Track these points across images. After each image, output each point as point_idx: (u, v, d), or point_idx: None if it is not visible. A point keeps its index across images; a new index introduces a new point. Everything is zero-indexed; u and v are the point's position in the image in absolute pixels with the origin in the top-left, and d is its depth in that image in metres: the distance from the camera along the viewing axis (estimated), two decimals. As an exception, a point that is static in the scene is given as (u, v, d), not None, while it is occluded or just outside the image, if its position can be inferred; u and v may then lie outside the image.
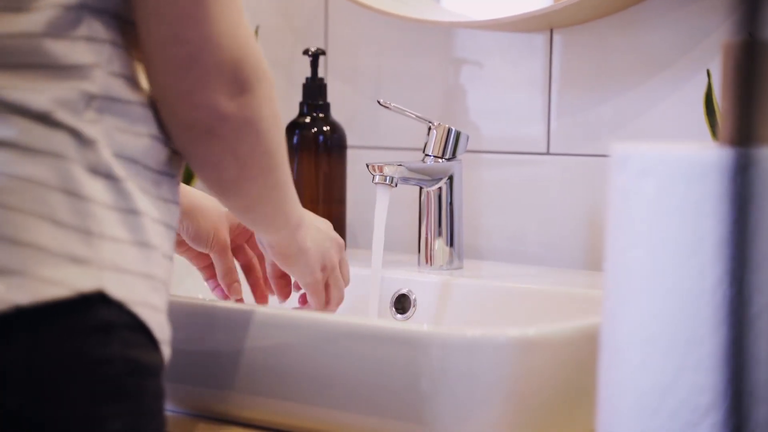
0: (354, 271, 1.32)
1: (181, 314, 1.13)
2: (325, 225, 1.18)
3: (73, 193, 0.82)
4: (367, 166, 1.32)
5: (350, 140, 1.52)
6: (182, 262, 1.44)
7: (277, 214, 1.04)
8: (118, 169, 0.85)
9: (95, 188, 0.83)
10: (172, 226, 0.91)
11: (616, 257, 0.77)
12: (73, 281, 0.81)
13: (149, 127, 0.89)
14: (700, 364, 0.71)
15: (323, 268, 1.16)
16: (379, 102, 1.35)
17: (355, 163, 1.52)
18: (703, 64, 1.32)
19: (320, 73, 1.52)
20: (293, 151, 1.48)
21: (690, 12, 1.33)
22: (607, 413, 0.78)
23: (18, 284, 0.79)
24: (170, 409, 1.16)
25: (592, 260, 1.39)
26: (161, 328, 0.88)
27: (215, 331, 1.11)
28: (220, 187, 0.96)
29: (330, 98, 1.51)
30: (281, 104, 1.63)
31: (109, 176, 0.85)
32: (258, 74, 0.90)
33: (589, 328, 0.99)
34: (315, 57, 1.50)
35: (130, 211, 0.86)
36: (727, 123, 0.73)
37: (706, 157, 0.72)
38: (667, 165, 0.74)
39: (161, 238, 0.89)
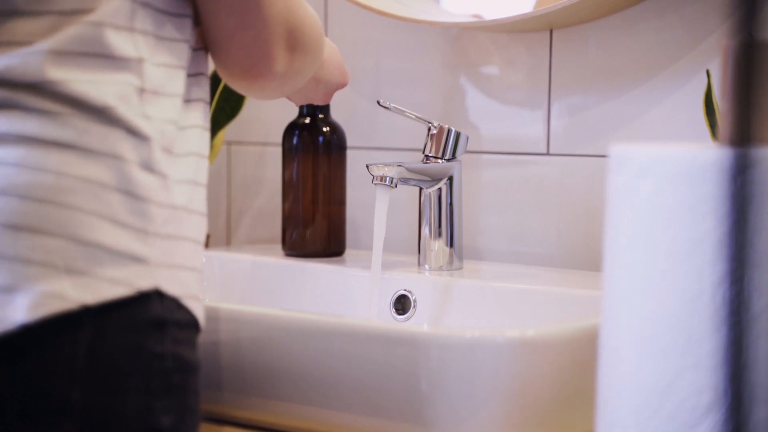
0: (354, 272, 1.32)
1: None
2: (335, 55, 1.25)
3: (131, 193, 0.85)
4: (367, 166, 1.32)
5: (350, 141, 1.52)
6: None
7: (310, 79, 1.14)
8: (164, 164, 0.88)
9: (150, 187, 0.86)
10: (203, 212, 0.94)
11: (615, 257, 0.77)
12: (134, 280, 0.84)
13: (196, 119, 0.92)
14: (700, 364, 0.71)
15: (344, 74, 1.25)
16: (379, 102, 1.35)
17: (354, 163, 1.52)
18: (703, 64, 1.31)
19: (320, 74, 1.52)
20: (293, 151, 1.48)
21: (689, 12, 1.33)
22: (606, 413, 0.78)
23: (84, 284, 0.82)
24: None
25: (592, 260, 1.39)
26: (203, 318, 0.92)
27: (213, 332, 1.11)
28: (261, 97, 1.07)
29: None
30: (282, 105, 1.63)
31: (159, 173, 0.87)
32: (308, 35, 0.98)
33: (588, 329, 0.99)
34: (315, 58, 1.50)
35: (176, 207, 0.88)
36: (727, 123, 0.73)
37: (705, 157, 0.72)
38: (666, 165, 0.74)
39: (199, 230, 0.92)
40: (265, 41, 0.95)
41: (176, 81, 0.90)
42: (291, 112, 1.53)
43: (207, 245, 1.63)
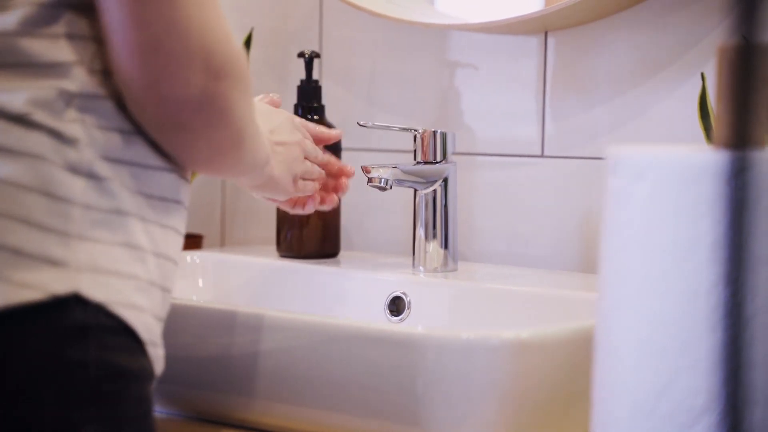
0: (348, 273, 1.32)
1: (176, 316, 1.13)
2: (282, 127, 1.15)
3: (51, 194, 0.81)
4: (362, 168, 1.32)
5: (345, 142, 1.52)
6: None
7: (249, 167, 1.02)
8: (101, 168, 0.84)
9: (75, 189, 0.82)
10: (167, 225, 0.89)
11: (611, 259, 0.77)
12: (48, 284, 0.80)
13: (131, 123, 0.87)
14: (696, 366, 0.72)
15: (295, 179, 1.16)
16: (359, 123, 1.36)
17: (349, 165, 1.52)
18: (698, 67, 1.32)
19: (315, 76, 1.52)
20: (288, 153, 1.48)
21: (684, 15, 1.33)
22: (601, 415, 0.78)
23: None
24: (166, 411, 1.16)
25: (587, 262, 1.39)
26: (147, 329, 0.86)
27: (211, 334, 1.11)
28: (190, 165, 0.92)
29: (325, 100, 1.51)
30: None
31: (91, 176, 0.83)
32: (233, 59, 0.86)
33: (583, 331, 0.99)
34: (310, 59, 1.50)
35: (113, 211, 0.84)
36: (722, 126, 0.73)
37: (701, 159, 0.72)
38: (661, 167, 0.74)
39: (151, 238, 0.87)
40: (168, 52, 0.83)
41: (112, 86, 0.85)
42: (286, 114, 1.53)
43: (201, 246, 1.63)
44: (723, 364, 0.67)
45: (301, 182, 1.18)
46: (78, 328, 0.81)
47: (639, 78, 1.37)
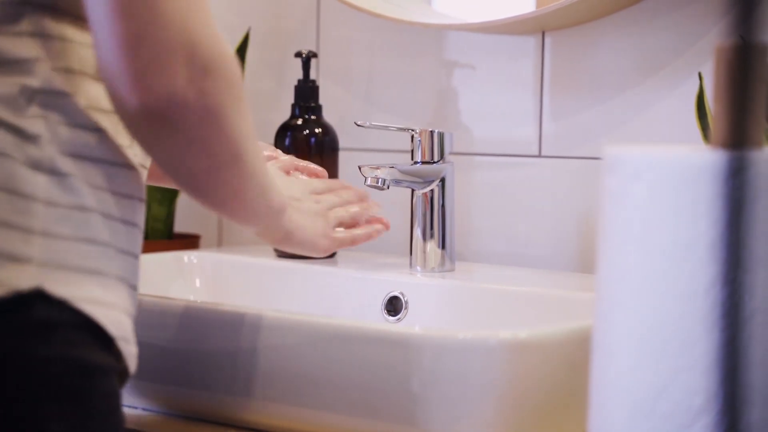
0: (346, 273, 1.32)
1: (173, 316, 1.13)
2: (295, 187, 1.16)
3: (13, 191, 0.82)
4: (360, 168, 1.32)
5: (342, 142, 1.52)
6: (174, 265, 1.44)
7: (257, 203, 0.99)
8: (64, 164, 0.84)
9: (37, 185, 0.82)
10: (131, 221, 0.89)
11: (608, 259, 0.77)
12: (11, 280, 0.80)
13: (96, 121, 0.87)
14: (693, 366, 0.72)
15: (326, 234, 1.17)
16: (356, 123, 1.36)
17: (347, 165, 1.52)
18: (695, 67, 1.32)
19: (312, 75, 1.52)
20: (286, 153, 1.48)
21: (682, 15, 1.33)
22: (599, 416, 0.78)
23: None
24: (165, 411, 1.16)
25: (585, 263, 1.39)
26: (116, 325, 0.85)
27: (207, 333, 1.11)
28: (190, 182, 0.91)
29: (322, 100, 1.51)
30: (274, 106, 1.63)
31: (53, 172, 0.83)
32: (218, 57, 0.85)
33: (581, 331, 0.99)
34: (307, 59, 1.50)
35: (76, 208, 0.84)
36: (720, 126, 0.73)
37: (698, 159, 0.72)
38: (659, 167, 0.74)
39: (115, 234, 0.87)
40: (152, 44, 0.82)
41: (78, 83, 0.86)
42: (283, 113, 1.53)
43: (198, 246, 1.63)
44: (721, 364, 0.67)
45: (339, 233, 1.19)
46: (42, 324, 0.81)
47: (636, 78, 1.37)
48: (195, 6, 0.84)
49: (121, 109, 0.85)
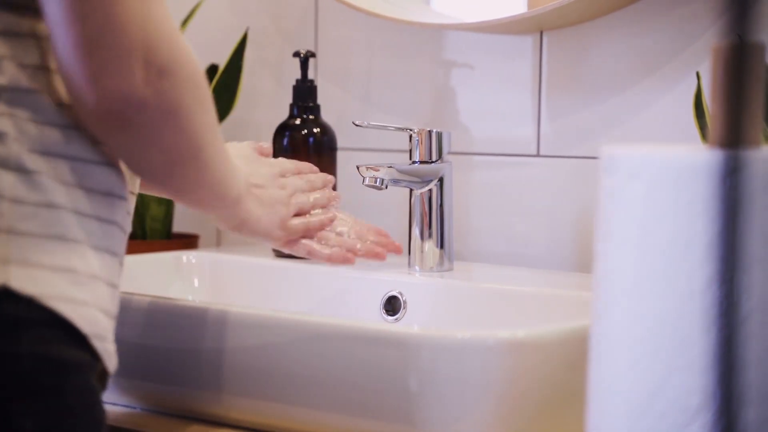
0: (345, 273, 1.32)
1: (173, 316, 1.13)
2: (261, 172, 1.13)
3: None
4: (358, 167, 1.32)
5: (340, 142, 1.52)
6: (173, 265, 1.44)
7: (213, 192, 0.99)
8: (32, 161, 0.84)
9: (3, 183, 0.82)
10: (108, 219, 0.88)
11: (605, 259, 0.77)
12: None
13: (68, 118, 0.86)
14: (690, 365, 0.72)
15: (282, 223, 1.14)
16: (354, 123, 1.35)
17: (345, 164, 1.52)
18: (693, 66, 1.32)
19: (310, 75, 1.52)
20: (283, 152, 1.48)
21: (680, 15, 1.33)
22: (596, 415, 0.78)
23: None
24: (164, 411, 1.16)
25: (582, 262, 1.39)
26: (90, 322, 0.85)
27: (204, 333, 1.11)
28: (148, 175, 0.92)
29: (320, 100, 1.51)
30: (272, 106, 1.63)
31: (20, 170, 0.83)
32: (177, 57, 0.85)
33: (578, 330, 0.99)
34: (305, 59, 1.50)
35: (45, 205, 0.84)
36: (717, 125, 0.73)
37: (695, 159, 0.72)
38: (656, 167, 0.74)
39: (87, 231, 0.86)
40: (108, 46, 0.82)
41: (48, 81, 0.86)
42: (281, 113, 1.53)
43: (197, 246, 1.63)
44: (718, 364, 0.67)
45: (293, 222, 1.15)
46: (8, 322, 0.81)
47: (634, 77, 1.37)
48: (152, 7, 0.84)
49: (79, 107, 0.85)
